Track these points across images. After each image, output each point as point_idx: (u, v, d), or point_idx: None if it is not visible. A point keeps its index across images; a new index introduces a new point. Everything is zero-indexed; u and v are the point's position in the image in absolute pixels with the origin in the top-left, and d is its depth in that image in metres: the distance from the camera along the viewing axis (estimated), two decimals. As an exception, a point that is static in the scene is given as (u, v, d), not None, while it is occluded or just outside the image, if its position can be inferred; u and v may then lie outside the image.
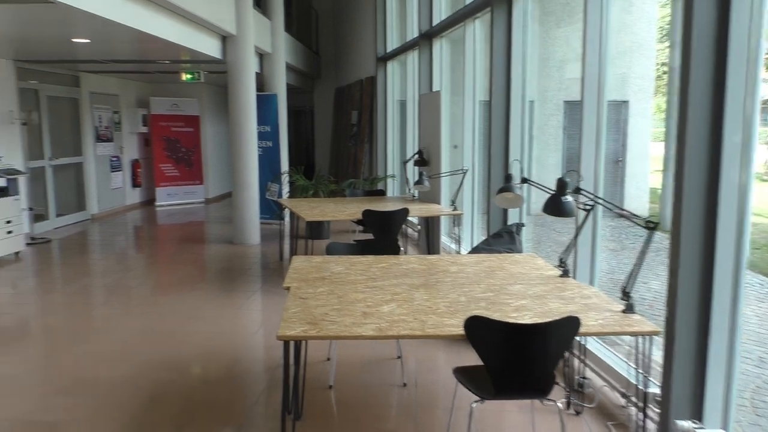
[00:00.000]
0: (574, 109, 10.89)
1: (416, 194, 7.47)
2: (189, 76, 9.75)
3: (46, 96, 9.44)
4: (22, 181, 8.10)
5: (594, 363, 4.00)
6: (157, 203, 12.55)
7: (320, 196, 8.76)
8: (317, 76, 15.66)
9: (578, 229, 3.46)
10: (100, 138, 10.95)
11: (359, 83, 12.58)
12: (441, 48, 8.42)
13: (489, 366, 2.60)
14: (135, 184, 12.26)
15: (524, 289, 3.29)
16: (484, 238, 7.73)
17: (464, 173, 6.47)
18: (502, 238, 5.63)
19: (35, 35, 6.52)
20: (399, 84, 11.52)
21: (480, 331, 2.53)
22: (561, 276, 3.57)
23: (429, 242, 7.14)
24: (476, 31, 7.02)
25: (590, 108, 4.33)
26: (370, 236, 7.62)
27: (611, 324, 2.71)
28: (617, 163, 11.06)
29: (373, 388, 3.97)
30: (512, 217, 5.96)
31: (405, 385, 4.00)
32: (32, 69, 9.07)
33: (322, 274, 3.59)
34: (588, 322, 2.70)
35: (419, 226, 8.61)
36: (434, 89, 8.38)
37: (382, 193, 7.99)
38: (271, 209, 10.24)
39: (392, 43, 11.22)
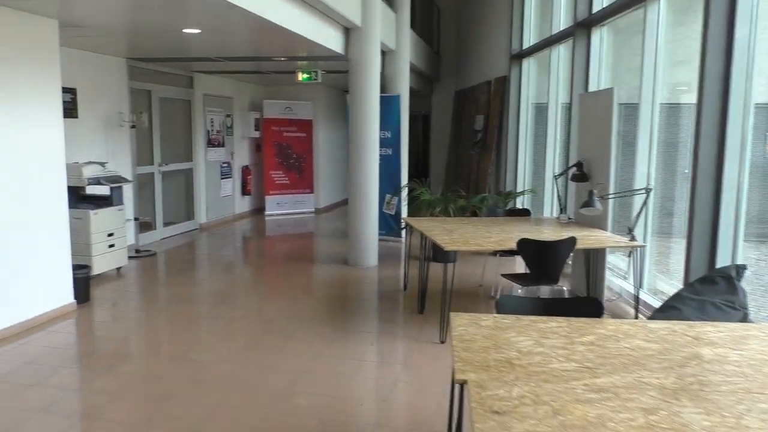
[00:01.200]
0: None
1: (571, 217, 6.09)
2: (305, 76, 8.89)
3: (158, 98, 8.92)
4: (127, 190, 7.52)
5: None
6: (266, 213, 11.88)
7: (449, 213, 7.54)
8: (436, 78, 14.52)
9: None
10: (211, 143, 10.39)
11: (486, 84, 11.28)
12: (601, 39, 6.98)
13: None
14: (244, 191, 11.65)
15: None
16: (660, 274, 6.21)
17: (647, 193, 5.02)
18: (716, 285, 4.14)
19: (145, 25, 5.80)
20: (535, 84, 10.14)
21: None
22: None
23: (590, 280, 5.73)
24: (661, 13, 5.54)
25: None
26: (511, 260, 6.36)
27: None
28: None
29: None
30: (721, 255, 4.45)
31: None
32: (146, 69, 8.56)
33: (504, 353, 2.37)
34: None
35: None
36: (590, 89, 6.96)
37: (526, 213, 6.65)
38: (388, 224, 9.17)
39: (530, 38, 9.85)
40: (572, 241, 4.67)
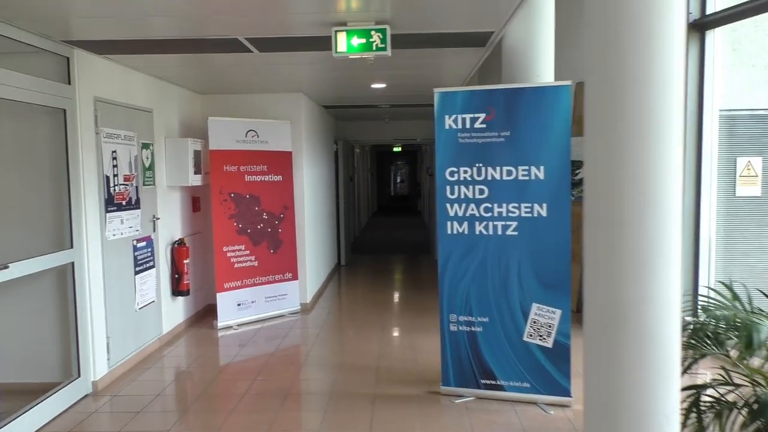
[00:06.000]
0: None
1: None
2: (359, 42, 3.74)
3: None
4: None
5: None
6: (219, 322, 6.42)
7: None
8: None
9: None
10: (113, 201, 4.90)
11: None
12: None
13: None
14: (178, 289, 6.15)
15: None
16: None
17: None
18: None
19: None
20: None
21: None
22: None
23: None
24: None
25: None
26: None
27: None
28: None
29: None
30: None
31: None
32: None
33: None
34: None
35: None
36: None
37: None
38: (532, 368, 4.24)
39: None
40: None
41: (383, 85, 6.61)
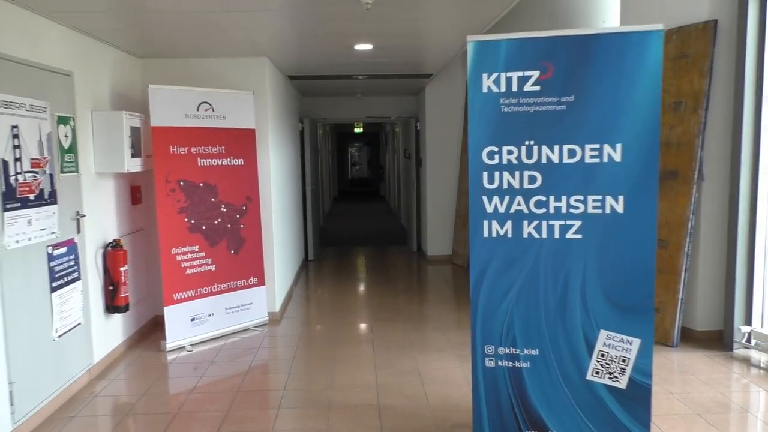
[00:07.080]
0: None
1: None
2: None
3: None
4: None
5: None
6: (169, 343, 5.14)
7: None
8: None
9: None
10: (14, 195, 3.55)
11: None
12: None
13: None
14: (113, 304, 4.83)
15: None
16: None
17: None
18: None
19: None
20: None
21: None
22: None
23: None
24: None
25: None
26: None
27: None
28: None
29: None
30: None
31: None
32: None
33: None
34: None
35: None
36: None
37: None
38: (591, 411, 3.16)
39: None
40: None
41: (369, 47, 5.37)
